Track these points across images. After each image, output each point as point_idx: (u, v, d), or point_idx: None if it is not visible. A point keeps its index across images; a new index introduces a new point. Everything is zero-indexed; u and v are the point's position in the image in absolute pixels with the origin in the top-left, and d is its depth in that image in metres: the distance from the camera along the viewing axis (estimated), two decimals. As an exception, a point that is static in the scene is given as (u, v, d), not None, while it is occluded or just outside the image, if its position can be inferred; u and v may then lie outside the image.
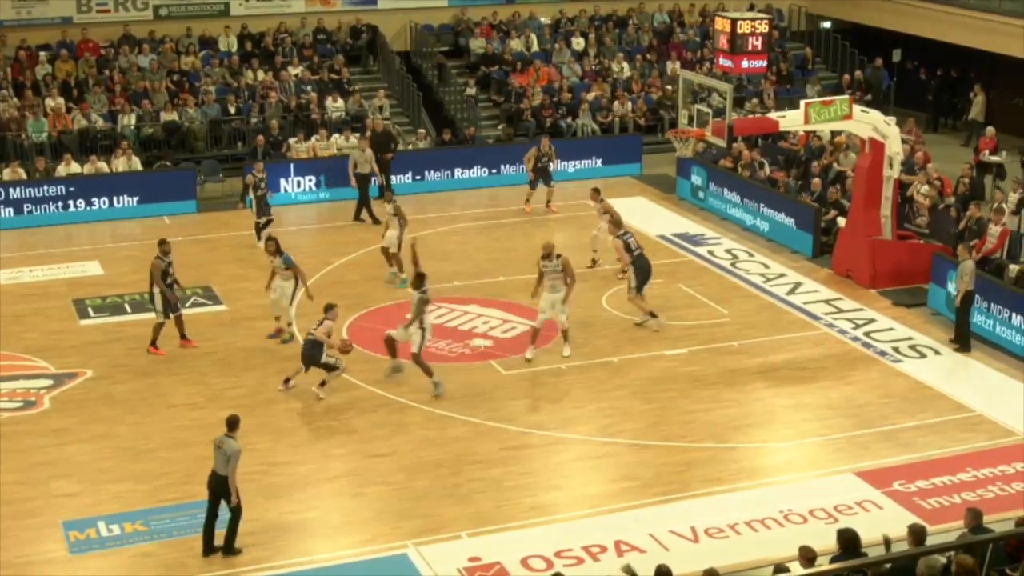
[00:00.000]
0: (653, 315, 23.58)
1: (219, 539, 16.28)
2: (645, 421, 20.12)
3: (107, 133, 33.75)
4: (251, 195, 27.97)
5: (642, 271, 23.59)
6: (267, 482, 18.07)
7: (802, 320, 24.42)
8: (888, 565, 13.53)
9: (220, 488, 16.09)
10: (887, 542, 14.33)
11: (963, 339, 22.88)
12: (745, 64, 28.16)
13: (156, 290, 22.49)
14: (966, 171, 29.01)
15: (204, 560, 16.16)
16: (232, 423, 16.21)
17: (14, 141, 32.77)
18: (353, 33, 39.15)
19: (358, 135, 32.75)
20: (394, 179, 32.37)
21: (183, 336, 22.95)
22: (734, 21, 27.66)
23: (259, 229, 27.82)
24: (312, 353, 20.61)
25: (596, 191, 27.07)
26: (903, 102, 39.33)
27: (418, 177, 33.02)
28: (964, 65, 38.66)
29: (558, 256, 22.06)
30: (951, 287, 23.81)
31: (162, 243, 22.88)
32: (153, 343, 22.68)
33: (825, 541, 14.49)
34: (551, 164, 31.11)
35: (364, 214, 30.28)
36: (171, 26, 37.65)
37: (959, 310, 22.85)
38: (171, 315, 22.70)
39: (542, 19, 41.12)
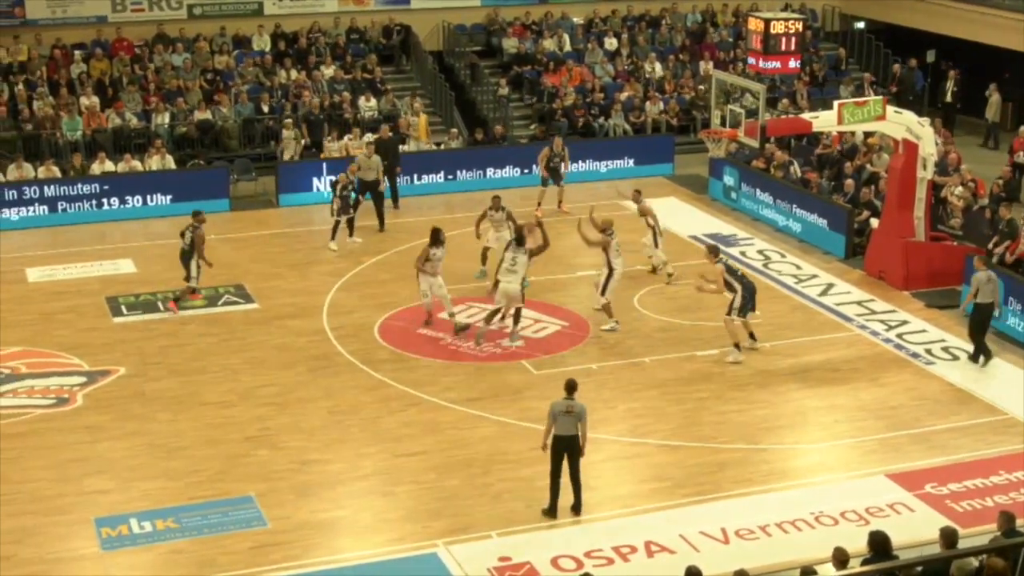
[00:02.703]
0: (738, 346, 22.43)
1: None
2: (676, 422, 20.09)
3: (141, 132, 33.91)
4: (336, 193, 28.09)
5: (748, 292, 22.45)
6: (298, 480, 18.13)
7: (834, 322, 24.33)
8: (919, 568, 13.47)
9: (572, 447, 16.98)
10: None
11: (977, 351, 22.30)
12: (778, 64, 28.06)
13: (196, 260, 24.68)
14: (1005, 172, 28.89)
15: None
16: (571, 387, 17.07)
17: (49, 139, 32.96)
18: (386, 33, 39.21)
19: (368, 139, 32.54)
20: (426, 178, 32.48)
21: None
22: (767, 21, 27.57)
23: (336, 228, 28.20)
24: None
25: (638, 192, 26.91)
26: (937, 103, 39.11)
27: (450, 176, 33.06)
28: (997, 65, 38.40)
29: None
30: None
31: (197, 214, 24.92)
32: (176, 300, 24.75)
33: (856, 543, 14.42)
34: (562, 165, 30.92)
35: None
36: (205, 25, 37.81)
37: (969, 324, 22.42)
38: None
39: (575, 19, 41.09)
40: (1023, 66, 37.76)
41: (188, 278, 24.77)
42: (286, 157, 32.72)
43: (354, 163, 29.29)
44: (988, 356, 22.24)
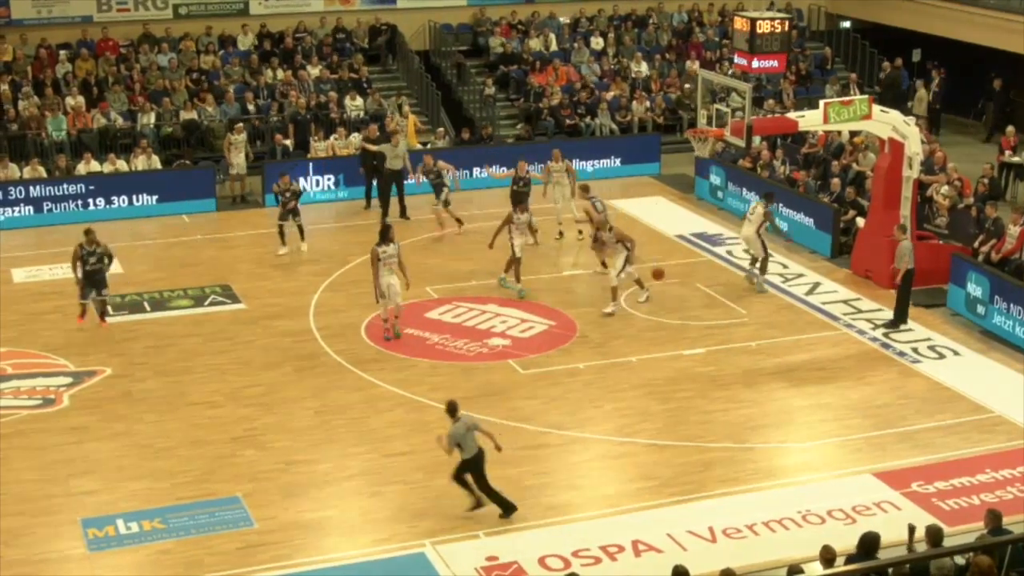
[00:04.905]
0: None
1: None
2: (663, 421, 20.09)
3: (127, 132, 33.84)
4: (278, 201, 28.08)
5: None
6: (285, 480, 18.10)
7: (821, 320, 24.36)
8: (906, 566, 13.50)
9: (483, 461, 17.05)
10: (911, 530, 14.21)
11: (900, 315, 23.88)
12: (764, 64, 28.07)
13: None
14: (987, 171, 28.95)
15: (216, 555, 16.24)
16: (453, 408, 16.92)
17: (34, 139, 32.88)
18: (372, 32, 39.18)
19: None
20: (412, 179, 32.42)
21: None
22: (753, 21, 27.58)
23: (281, 232, 27.94)
24: None
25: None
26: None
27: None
28: (983, 64, 38.49)
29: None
30: (970, 287, 23.77)
31: (88, 232, 23.72)
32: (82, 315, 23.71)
33: (843, 542, 14.43)
34: (444, 186, 29.42)
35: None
36: (191, 25, 37.77)
37: (899, 289, 23.72)
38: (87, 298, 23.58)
39: (561, 18, 41.11)
40: (1010, 65, 37.85)
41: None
42: (236, 162, 31.96)
43: (285, 173, 28.81)
44: (901, 321, 23.87)
